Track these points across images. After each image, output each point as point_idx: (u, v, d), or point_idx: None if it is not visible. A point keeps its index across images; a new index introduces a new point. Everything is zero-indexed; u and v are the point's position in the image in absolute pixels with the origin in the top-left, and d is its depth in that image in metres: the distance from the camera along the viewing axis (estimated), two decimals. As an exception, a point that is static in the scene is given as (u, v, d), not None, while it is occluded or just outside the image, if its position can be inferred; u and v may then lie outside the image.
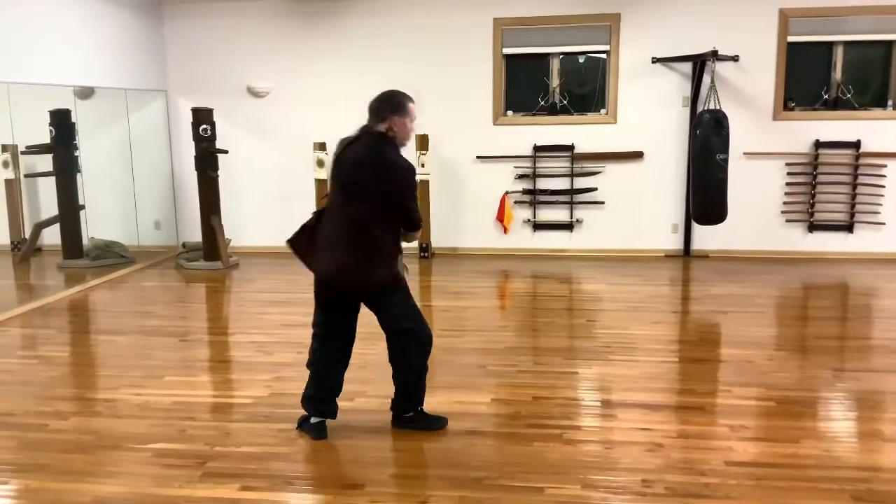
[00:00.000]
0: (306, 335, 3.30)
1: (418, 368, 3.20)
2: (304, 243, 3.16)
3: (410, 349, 3.15)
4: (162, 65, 7.78)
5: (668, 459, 2.97)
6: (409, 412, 3.29)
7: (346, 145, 3.08)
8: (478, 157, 7.47)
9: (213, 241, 7.18)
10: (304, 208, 7.62)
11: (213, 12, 7.62)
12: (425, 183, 7.16)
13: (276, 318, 5.27)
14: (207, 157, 7.14)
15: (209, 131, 7.09)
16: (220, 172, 7.24)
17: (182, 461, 3.01)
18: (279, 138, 7.74)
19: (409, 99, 3.09)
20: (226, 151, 7.22)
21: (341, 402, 3.28)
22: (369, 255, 2.99)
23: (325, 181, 7.30)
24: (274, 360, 4.31)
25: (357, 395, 3.64)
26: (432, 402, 3.55)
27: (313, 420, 3.25)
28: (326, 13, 7.48)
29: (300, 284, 6.40)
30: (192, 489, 2.80)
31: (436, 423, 3.30)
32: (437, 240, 7.56)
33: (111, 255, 7.19)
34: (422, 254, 7.37)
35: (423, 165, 7.06)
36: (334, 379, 3.23)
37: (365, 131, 3.06)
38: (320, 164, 7.22)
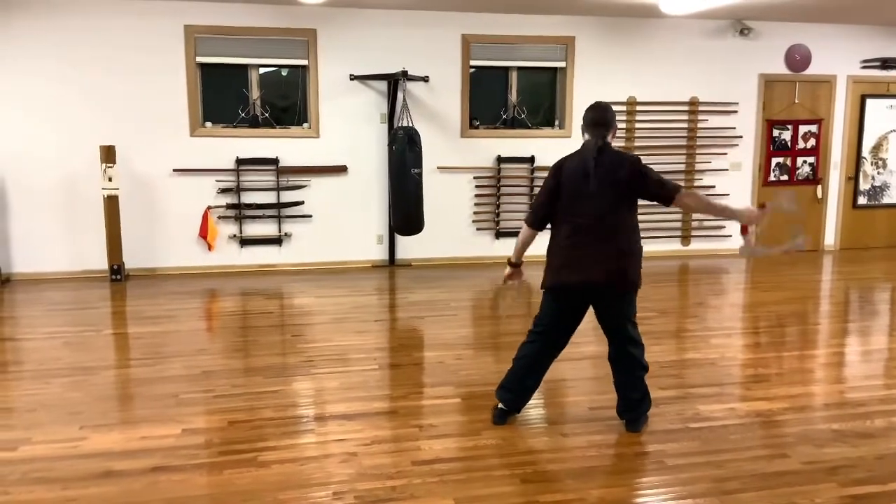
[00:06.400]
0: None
1: None
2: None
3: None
4: None
5: (359, 468, 3.04)
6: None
7: (585, 160, 3.22)
8: (175, 171, 7.05)
9: None
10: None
11: None
12: (114, 199, 6.58)
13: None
14: None
15: None
16: None
17: None
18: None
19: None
20: None
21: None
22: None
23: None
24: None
25: (21, 444, 3.20)
26: (108, 441, 3.25)
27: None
28: (-17, 6, 6.52)
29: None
30: None
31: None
32: (132, 260, 6.97)
33: None
34: (113, 276, 6.74)
35: (110, 180, 6.48)
36: None
37: (603, 145, 3.23)
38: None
